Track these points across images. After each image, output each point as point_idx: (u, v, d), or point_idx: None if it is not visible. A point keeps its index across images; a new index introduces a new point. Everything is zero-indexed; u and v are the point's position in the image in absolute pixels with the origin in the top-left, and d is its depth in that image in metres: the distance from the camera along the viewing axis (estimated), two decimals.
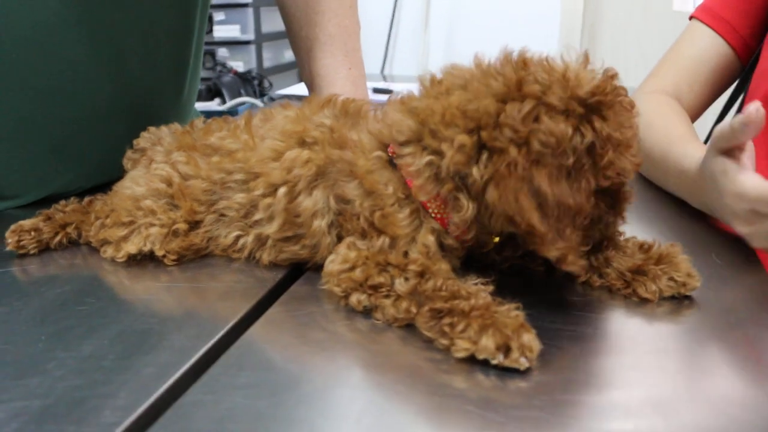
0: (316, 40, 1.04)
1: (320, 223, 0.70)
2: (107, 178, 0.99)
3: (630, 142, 0.63)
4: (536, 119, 0.59)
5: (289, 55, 3.11)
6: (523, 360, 0.55)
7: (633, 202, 0.69)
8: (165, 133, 0.87)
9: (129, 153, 0.89)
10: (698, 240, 0.84)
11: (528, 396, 0.53)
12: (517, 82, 0.61)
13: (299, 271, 0.75)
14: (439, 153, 0.63)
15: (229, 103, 1.83)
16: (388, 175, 0.66)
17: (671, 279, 0.67)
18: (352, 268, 0.65)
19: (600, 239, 0.69)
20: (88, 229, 0.79)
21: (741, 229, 0.75)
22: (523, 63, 0.63)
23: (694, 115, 1.12)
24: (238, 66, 2.49)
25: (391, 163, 0.67)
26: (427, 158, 0.63)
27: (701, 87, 1.11)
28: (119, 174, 0.99)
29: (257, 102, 1.83)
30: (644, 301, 0.67)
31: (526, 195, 0.59)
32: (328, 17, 1.05)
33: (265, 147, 0.73)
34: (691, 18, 1.13)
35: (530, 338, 0.55)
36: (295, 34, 1.10)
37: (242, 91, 1.91)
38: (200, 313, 0.66)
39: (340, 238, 0.71)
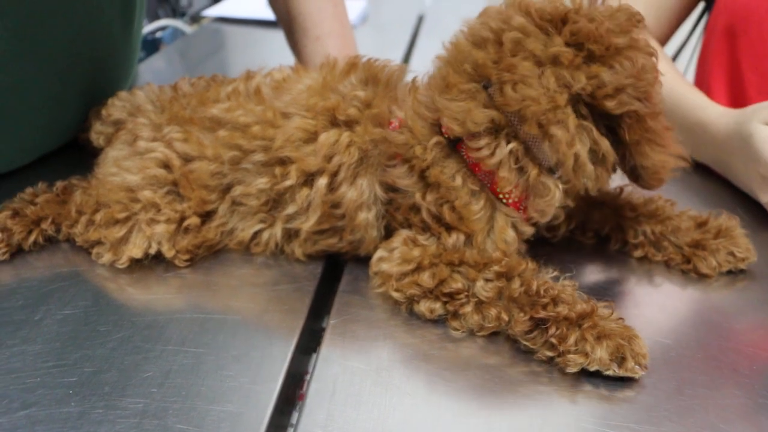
0: None
1: (366, 216, 0.61)
2: (51, 148, 0.83)
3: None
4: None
5: None
6: (637, 368, 0.51)
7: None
8: (142, 99, 0.73)
9: (98, 126, 0.74)
10: (718, 195, 0.82)
11: (642, 402, 0.50)
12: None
13: (337, 263, 0.66)
14: (542, 136, 0.55)
15: (148, 28, 1.62)
16: (454, 166, 0.58)
17: (730, 254, 0.65)
18: (418, 270, 0.57)
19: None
20: (70, 224, 0.66)
21: (766, 198, 0.74)
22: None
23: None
24: None
25: (451, 147, 0.59)
26: (510, 147, 0.55)
27: (667, 20, 1.07)
28: (65, 140, 0.84)
29: (181, 26, 1.62)
30: (702, 277, 0.65)
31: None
32: None
33: (294, 126, 0.61)
34: None
35: (641, 345, 0.52)
36: None
37: (160, 13, 1.69)
38: (252, 341, 0.56)
39: (387, 229, 0.62)
